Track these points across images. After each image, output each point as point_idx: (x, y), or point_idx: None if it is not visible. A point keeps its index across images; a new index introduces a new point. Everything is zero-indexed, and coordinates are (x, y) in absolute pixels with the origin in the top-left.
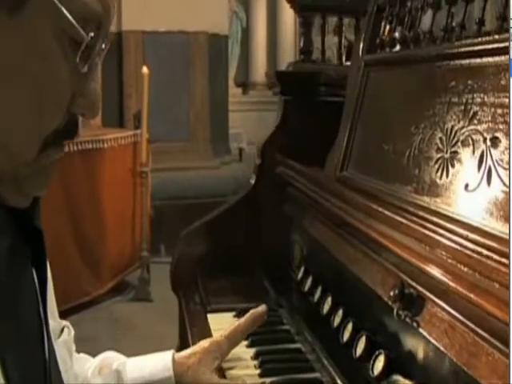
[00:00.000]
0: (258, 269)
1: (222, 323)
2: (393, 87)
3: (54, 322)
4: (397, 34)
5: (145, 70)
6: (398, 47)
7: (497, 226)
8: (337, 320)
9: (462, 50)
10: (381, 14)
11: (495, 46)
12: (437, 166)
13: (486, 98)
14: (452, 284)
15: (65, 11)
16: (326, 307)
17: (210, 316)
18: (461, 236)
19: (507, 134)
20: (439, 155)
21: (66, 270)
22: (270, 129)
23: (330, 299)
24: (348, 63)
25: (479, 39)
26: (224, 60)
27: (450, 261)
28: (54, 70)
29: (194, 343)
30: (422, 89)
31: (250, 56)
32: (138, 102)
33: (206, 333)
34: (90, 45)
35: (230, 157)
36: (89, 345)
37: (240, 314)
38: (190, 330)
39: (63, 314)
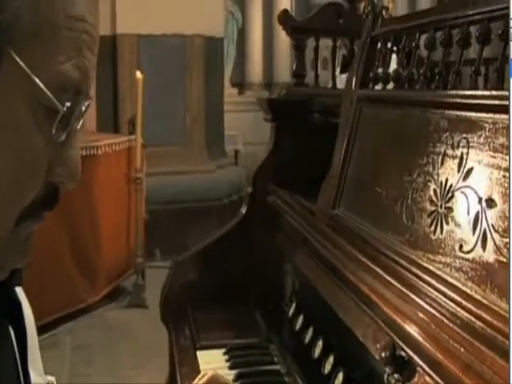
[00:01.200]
0: (250, 299)
1: (211, 362)
2: (386, 127)
3: (40, 377)
4: (391, 71)
5: (138, 74)
6: (391, 84)
7: (493, 299)
8: (327, 367)
9: (458, 100)
10: (375, 46)
11: (494, 102)
12: (430, 220)
13: (482, 156)
14: (444, 361)
15: (38, 82)
16: (318, 351)
17: (199, 353)
18: (454, 302)
19: (504, 197)
20: (433, 208)
21: (61, 277)
22: (266, 130)
23: (321, 342)
24: (342, 86)
25: (476, 92)
26: (220, 63)
27: (442, 335)
28: (28, 141)
29: None
30: (415, 134)
31: (245, 56)
32: (133, 105)
33: (195, 375)
34: (68, 113)
35: (225, 160)
36: (84, 353)
37: (230, 351)
38: (179, 370)
39: (58, 322)
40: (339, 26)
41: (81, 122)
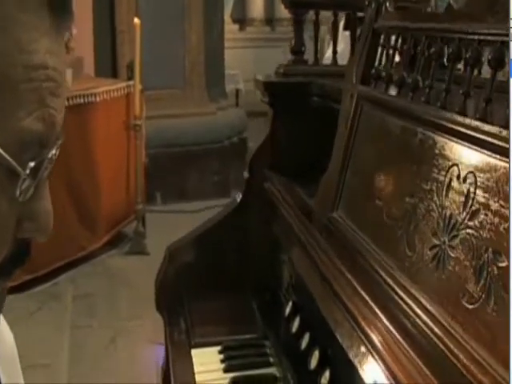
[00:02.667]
0: (246, 287)
1: (206, 362)
2: (388, 137)
3: None
4: (393, 71)
5: (136, 21)
6: (394, 87)
7: (497, 367)
8: (324, 382)
9: (466, 131)
10: (377, 39)
11: (502, 144)
12: (432, 254)
13: (490, 200)
14: None
15: None
16: (314, 362)
17: (194, 352)
18: (457, 360)
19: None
20: (436, 242)
21: (61, 226)
22: (268, 66)
23: (317, 353)
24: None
25: (484, 127)
26: (220, 2)
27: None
28: None
29: None
30: (419, 153)
31: None
32: (131, 49)
33: (190, 378)
34: (34, 169)
35: (226, 101)
36: (85, 303)
37: (225, 350)
38: (173, 372)
39: (60, 270)
40: None
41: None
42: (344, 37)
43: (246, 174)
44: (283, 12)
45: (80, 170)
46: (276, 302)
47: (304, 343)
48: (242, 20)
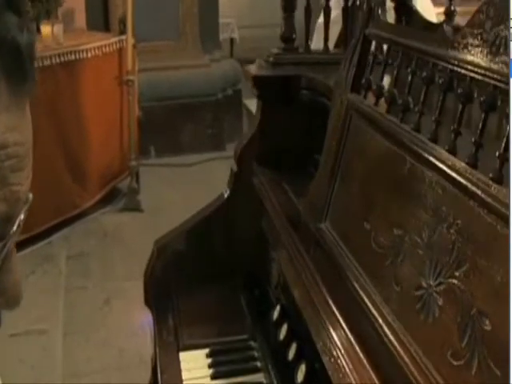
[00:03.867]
0: (235, 282)
1: (194, 367)
2: (377, 157)
3: None
4: (384, 84)
5: None
6: (384, 103)
7: None
8: None
9: (454, 175)
10: (368, 45)
11: (490, 200)
12: (418, 296)
13: (476, 256)
14: None
15: None
16: (300, 376)
17: (182, 355)
18: None
19: (499, 316)
20: (423, 284)
21: (55, 185)
22: (263, 12)
23: (303, 367)
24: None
25: (473, 177)
26: None
27: None
28: None
29: None
30: (408, 184)
31: None
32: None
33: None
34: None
35: (219, 52)
36: (79, 263)
37: (213, 354)
38: (160, 376)
39: (53, 229)
40: None
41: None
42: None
43: (234, 168)
44: None
45: (72, 127)
46: (265, 300)
47: (291, 354)
48: None
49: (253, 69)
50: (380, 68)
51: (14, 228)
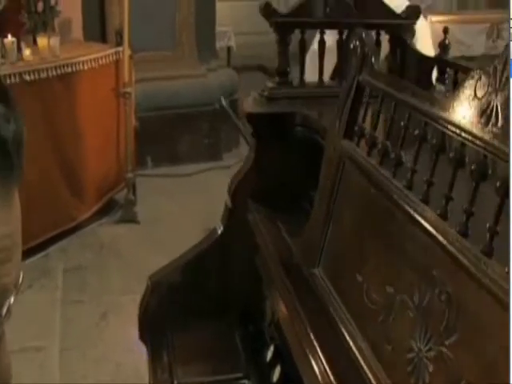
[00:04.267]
0: (230, 317)
1: None
2: (368, 207)
3: None
4: (376, 133)
5: None
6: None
7: None
8: None
9: (445, 243)
10: (361, 92)
11: (480, 276)
12: (409, 360)
13: (467, 328)
14: None
15: None
16: None
17: None
18: None
19: None
20: (414, 347)
21: (52, 197)
22: (260, 19)
23: None
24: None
25: (464, 248)
26: None
27: None
28: None
29: None
30: (400, 242)
31: None
32: (120, 9)
33: None
34: None
35: (216, 62)
36: (76, 277)
37: None
38: None
39: (50, 242)
40: (327, 16)
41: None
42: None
43: (228, 204)
44: None
45: (68, 139)
46: (259, 337)
47: None
48: None
49: (248, 104)
50: (373, 114)
51: (3, 313)
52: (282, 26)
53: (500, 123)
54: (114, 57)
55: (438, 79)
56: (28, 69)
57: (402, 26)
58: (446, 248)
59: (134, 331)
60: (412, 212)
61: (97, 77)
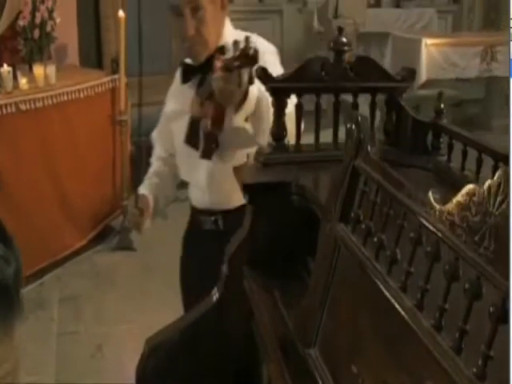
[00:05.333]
0: (228, 381)
1: None
2: (363, 299)
3: None
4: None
5: (121, 14)
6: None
7: None
8: None
9: (436, 354)
10: (357, 177)
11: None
12: None
13: None
14: None
15: None
16: None
17: None
18: None
19: None
20: None
21: (47, 225)
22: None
23: None
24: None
25: (456, 367)
26: None
27: None
28: None
29: None
30: (397, 341)
31: None
32: (116, 36)
33: None
34: None
35: None
36: (71, 306)
37: None
38: None
39: (46, 270)
40: (323, 80)
41: None
42: None
43: (224, 271)
44: None
45: (64, 166)
46: None
47: None
48: None
49: (244, 173)
50: (369, 203)
51: None
52: (278, 90)
53: (493, 247)
54: (110, 84)
55: (433, 144)
56: (24, 98)
57: (396, 89)
58: (439, 364)
59: (129, 363)
60: (406, 317)
61: (93, 104)
